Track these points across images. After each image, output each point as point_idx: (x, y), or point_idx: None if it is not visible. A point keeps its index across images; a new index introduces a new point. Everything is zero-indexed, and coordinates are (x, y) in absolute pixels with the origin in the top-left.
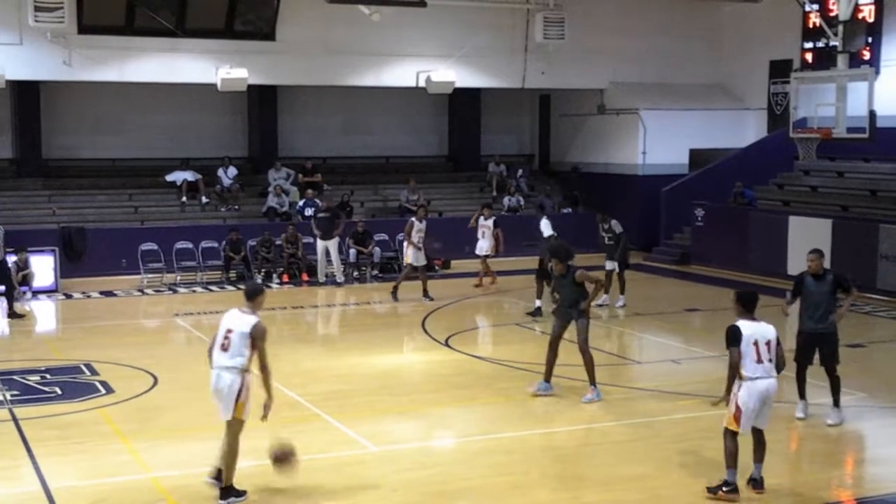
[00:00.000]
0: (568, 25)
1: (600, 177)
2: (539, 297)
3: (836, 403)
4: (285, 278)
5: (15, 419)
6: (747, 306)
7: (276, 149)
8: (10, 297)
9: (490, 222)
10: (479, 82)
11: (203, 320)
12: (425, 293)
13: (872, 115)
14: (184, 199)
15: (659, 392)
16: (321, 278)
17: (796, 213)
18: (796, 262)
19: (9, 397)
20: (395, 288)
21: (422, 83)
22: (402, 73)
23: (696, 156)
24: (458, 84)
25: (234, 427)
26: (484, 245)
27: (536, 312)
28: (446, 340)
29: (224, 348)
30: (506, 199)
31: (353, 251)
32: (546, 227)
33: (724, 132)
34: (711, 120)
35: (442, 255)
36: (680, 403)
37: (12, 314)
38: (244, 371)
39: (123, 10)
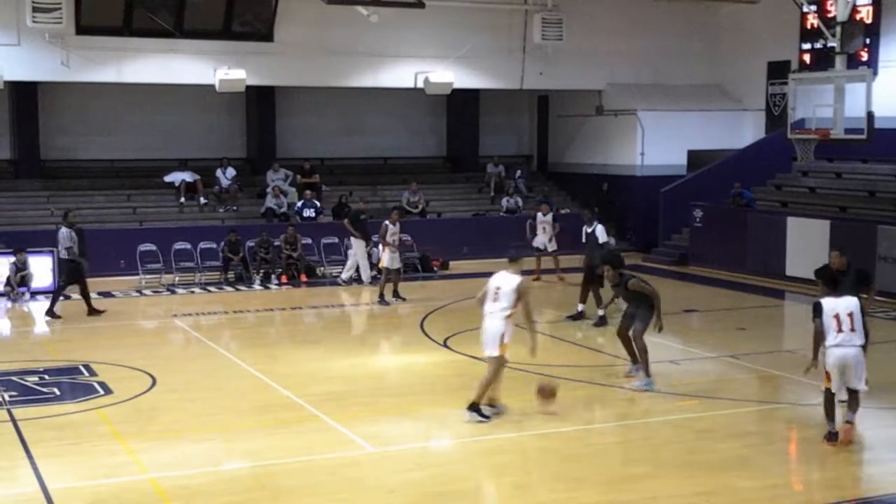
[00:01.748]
0: (566, 26)
1: (599, 178)
2: (583, 301)
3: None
4: (284, 279)
5: (13, 420)
6: (829, 285)
7: (274, 150)
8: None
9: (549, 217)
10: (478, 83)
11: (202, 321)
12: (396, 294)
13: (870, 116)
14: (182, 199)
15: (657, 393)
16: (345, 278)
17: (794, 214)
18: (795, 263)
19: (7, 398)
20: (382, 293)
21: (420, 84)
22: (400, 74)
23: (695, 157)
24: (457, 85)
25: (498, 361)
26: (542, 239)
27: (578, 317)
28: (445, 341)
29: (495, 300)
30: (504, 200)
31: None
32: (602, 234)
33: (722, 133)
34: (709, 121)
35: (440, 255)
36: (678, 404)
37: (51, 313)
38: (508, 318)
39: (121, 11)
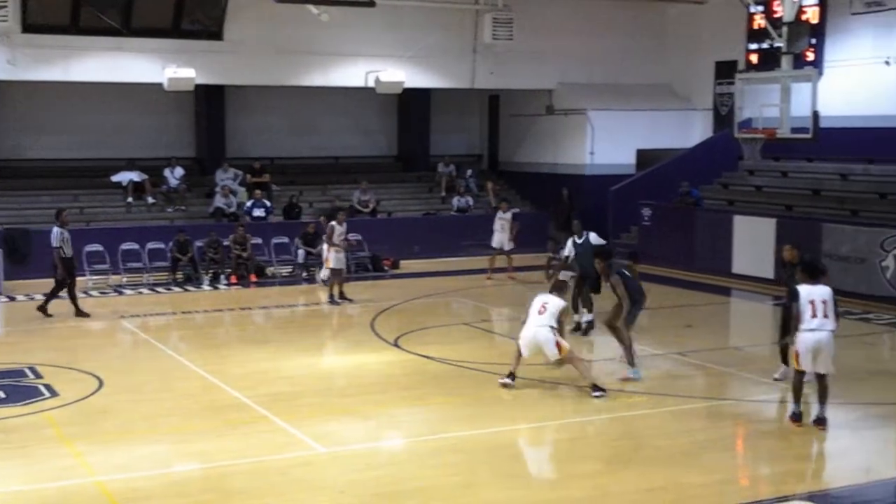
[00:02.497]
0: (516, 26)
1: (549, 177)
2: (589, 310)
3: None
4: (233, 279)
5: None
6: (810, 273)
7: (223, 149)
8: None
9: (509, 215)
10: (429, 82)
11: (150, 322)
12: (342, 296)
13: (816, 115)
14: (130, 199)
15: (607, 390)
16: (325, 276)
17: (741, 212)
18: (741, 261)
19: None
20: (332, 293)
21: (371, 83)
22: (350, 73)
23: (643, 156)
24: (408, 84)
25: (568, 357)
26: (501, 238)
27: (590, 327)
28: (396, 341)
29: (540, 313)
30: (455, 200)
31: (301, 252)
32: (596, 239)
33: (671, 132)
34: (658, 120)
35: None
36: (627, 401)
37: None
38: (554, 329)
39: (68, 9)
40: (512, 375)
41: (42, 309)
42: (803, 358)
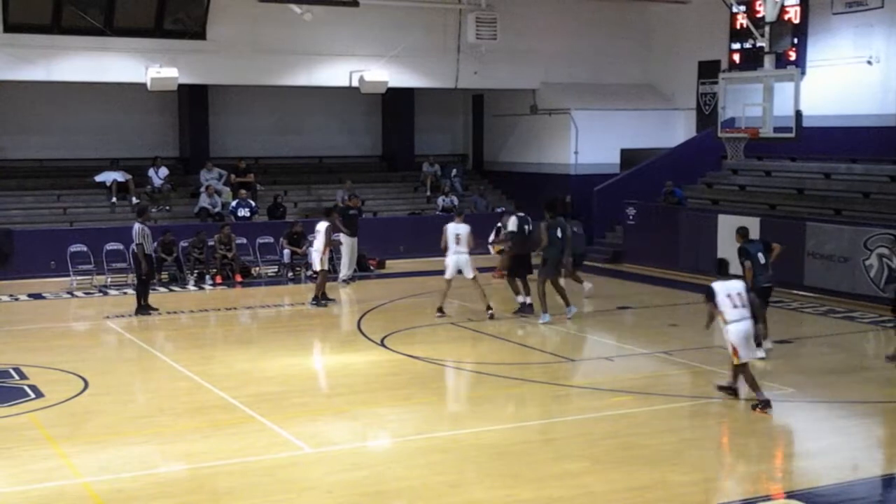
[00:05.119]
0: (500, 26)
1: (533, 176)
2: (517, 293)
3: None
4: (218, 280)
5: None
6: (721, 270)
7: (207, 149)
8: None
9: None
10: (413, 82)
11: (135, 322)
12: (325, 296)
13: (798, 115)
14: (114, 199)
15: (593, 389)
16: (345, 276)
17: (725, 211)
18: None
19: None
20: (317, 295)
21: (355, 83)
22: (334, 73)
23: (627, 155)
24: (392, 84)
25: (477, 278)
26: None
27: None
28: (382, 340)
29: (457, 242)
30: (440, 199)
31: (286, 252)
32: (512, 224)
33: (654, 132)
34: (642, 120)
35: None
36: (613, 400)
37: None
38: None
39: (50, 9)
40: (441, 310)
41: (143, 308)
42: (742, 350)
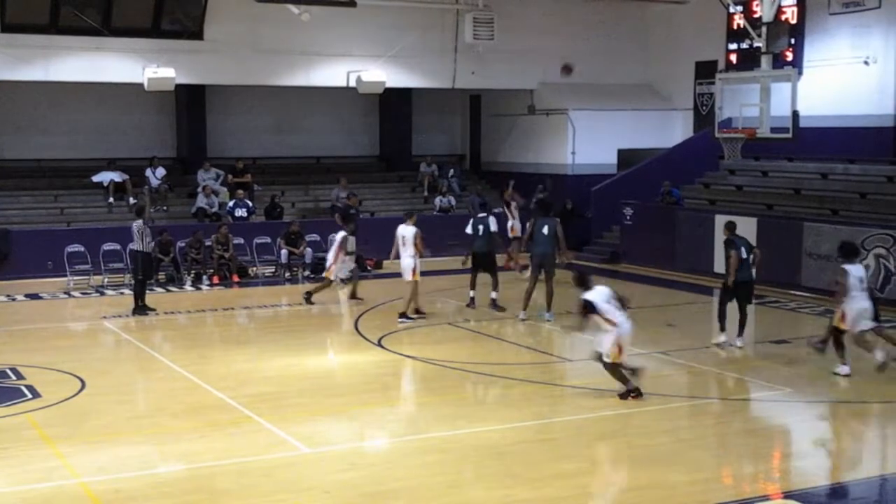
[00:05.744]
0: (497, 26)
1: (531, 176)
2: (472, 287)
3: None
4: (215, 280)
5: None
6: (584, 283)
7: (205, 149)
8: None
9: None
10: (410, 82)
11: (132, 323)
12: (308, 297)
13: (795, 115)
14: (111, 199)
15: (589, 389)
16: (345, 276)
17: (722, 211)
18: (723, 260)
19: None
20: (308, 293)
21: (352, 83)
22: (332, 73)
23: (625, 155)
24: (389, 84)
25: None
26: (516, 224)
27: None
28: (379, 340)
29: (404, 245)
30: (437, 199)
31: (284, 252)
32: (493, 223)
33: (652, 132)
34: (639, 120)
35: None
36: (610, 400)
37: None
38: (414, 256)
39: (48, 9)
40: (419, 311)
41: (141, 308)
42: (626, 350)
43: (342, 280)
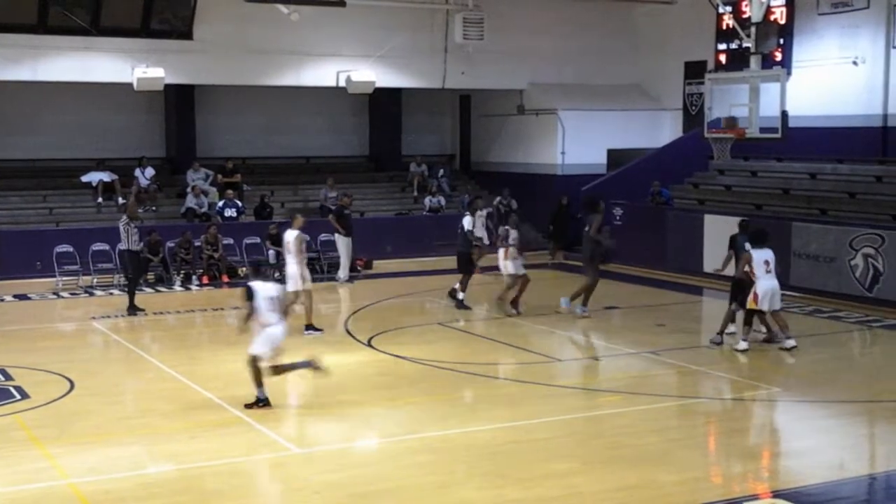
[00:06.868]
0: (487, 26)
1: (520, 177)
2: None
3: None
4: (205, 280)
5: None
6: (258, 272)
7: (194, 149)
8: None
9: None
10: (400, 82)
11: (121, 323)
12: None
13: (784, 115)
14: (100, 199)
15: (580, 389)
16: (344, 277)
17: (711, 211)
18: (712, 260)
19: None
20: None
21: (342, 83)
22: (322, 73)
23: (614, 156)
24: (379, 84)
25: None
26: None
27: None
28: (369, 341)
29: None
30: (427, 199)
31: (271, 252)
32: (467, 223)
33: (641, 132)
34: (628, 120)
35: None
36: (601, 400)
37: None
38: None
39: (36, 8)
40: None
41: (130, 308)
42: (270, 346)
43: (342, 280)
